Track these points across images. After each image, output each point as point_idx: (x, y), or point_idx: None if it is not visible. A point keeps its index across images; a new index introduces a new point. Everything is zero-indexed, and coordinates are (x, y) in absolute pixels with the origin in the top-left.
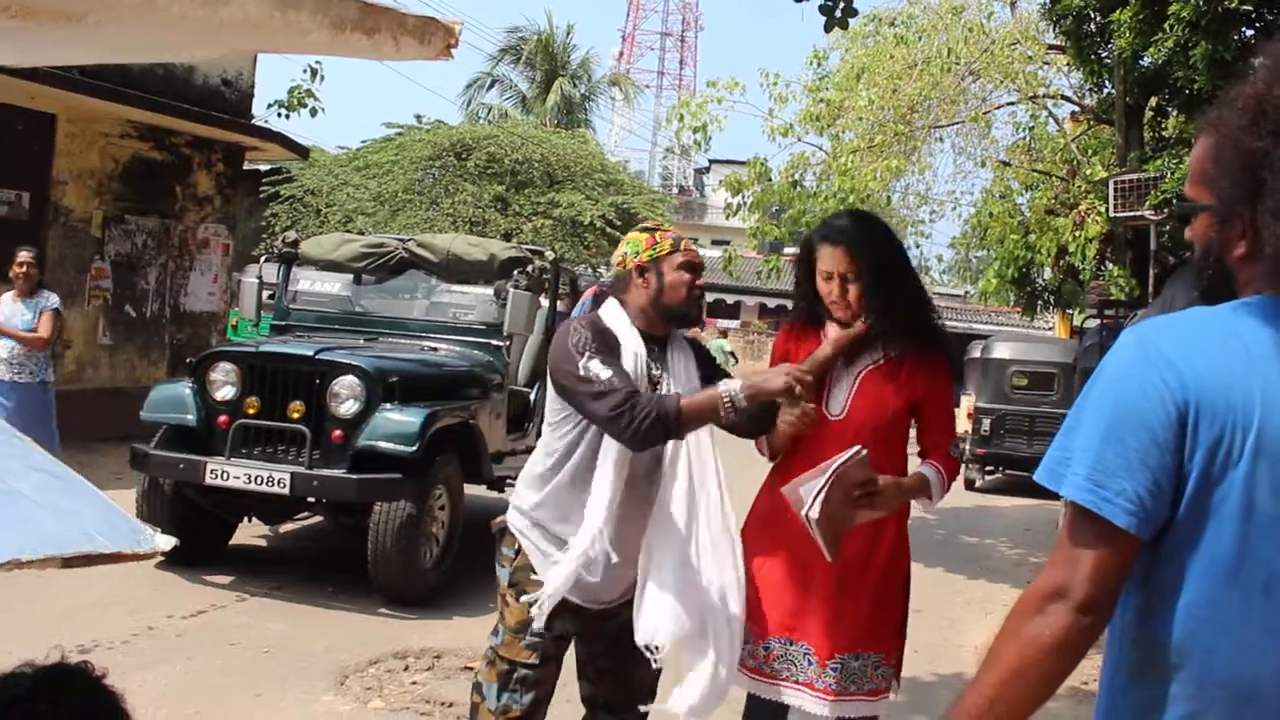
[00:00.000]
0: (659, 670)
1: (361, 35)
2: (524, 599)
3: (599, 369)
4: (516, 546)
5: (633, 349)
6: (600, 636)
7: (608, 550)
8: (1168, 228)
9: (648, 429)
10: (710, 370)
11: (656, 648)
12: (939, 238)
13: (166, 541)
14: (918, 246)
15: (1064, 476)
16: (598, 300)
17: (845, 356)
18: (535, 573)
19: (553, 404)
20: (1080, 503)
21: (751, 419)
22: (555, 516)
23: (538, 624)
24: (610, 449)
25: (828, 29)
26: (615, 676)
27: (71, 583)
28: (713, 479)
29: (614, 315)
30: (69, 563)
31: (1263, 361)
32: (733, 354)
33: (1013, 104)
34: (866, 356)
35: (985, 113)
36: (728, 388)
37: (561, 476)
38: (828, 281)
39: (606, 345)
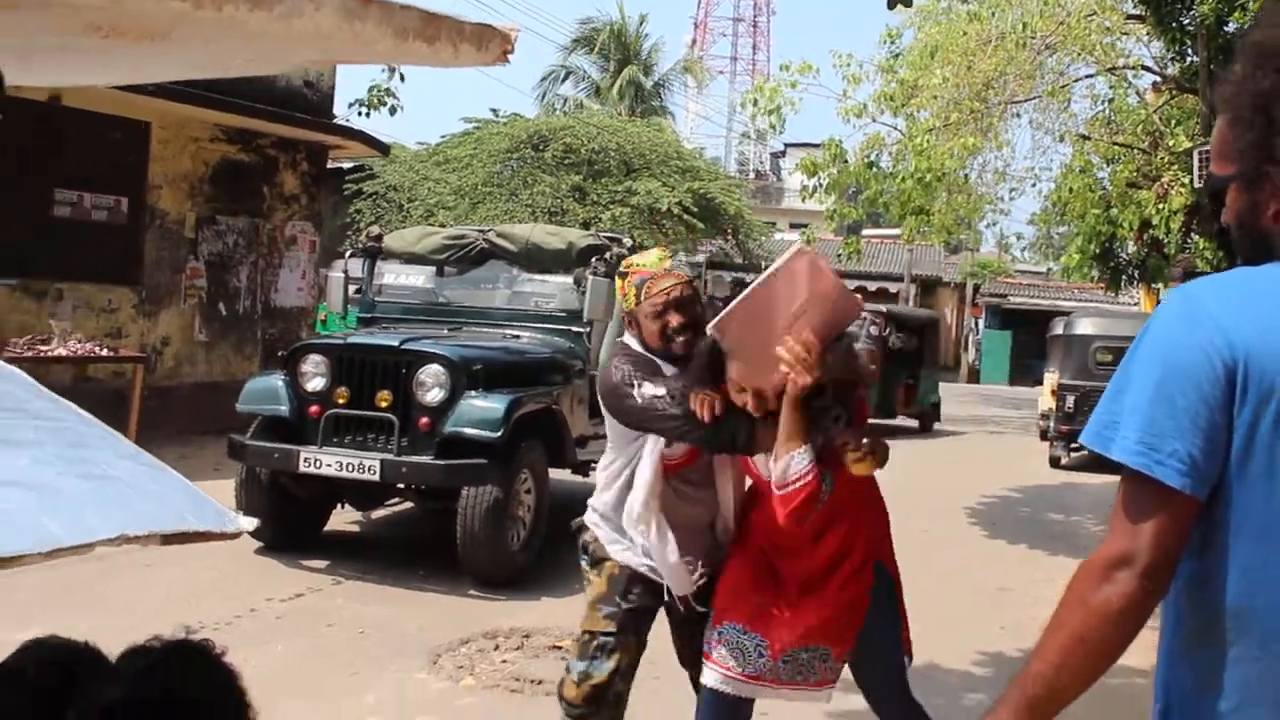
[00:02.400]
0: None
1: (422, 43)
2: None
3: (651, 391)
4: (593, 535)
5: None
6: (683, 625)
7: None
8: None
9: (710, 441)
10: None
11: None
12: (1018, 214)
13: (249, 522)
14: (992, 225)
15: (1112, 440)
16: None
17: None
18: (606, 552)
19: (610, 429)
20: (1132, 465)
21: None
22: (621, 515)
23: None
24: (649, 453)
25: (890, 5)
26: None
27: (176, 569)
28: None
29: (638, 347)
30: (168, 540)
31: None
32: None
33: (1091, 76)
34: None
35: (1063, 86)
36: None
37: (622, 482)
38: None
39: (649, 369)
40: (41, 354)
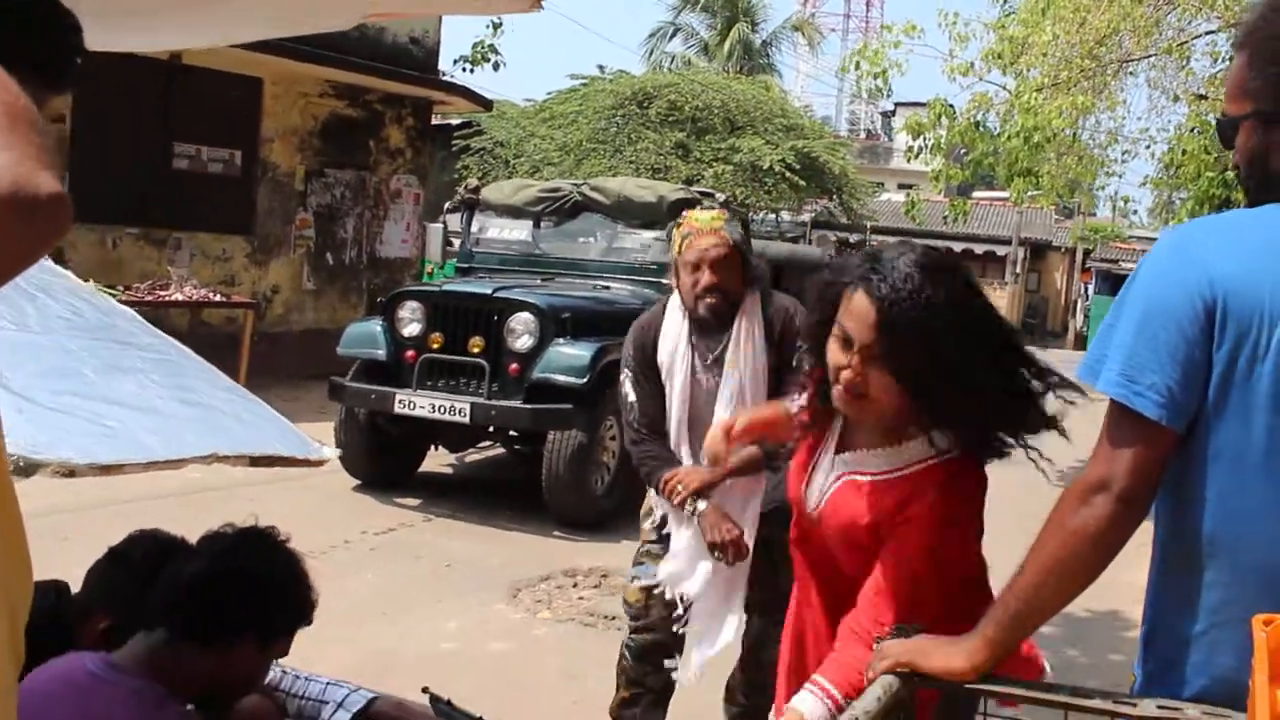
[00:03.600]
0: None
1: None
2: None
3: (629, 391)
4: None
5: (672, 341)
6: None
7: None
8: None
9: (638, 465)
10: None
11: None
12: (1132, 177)
13: (332, 451)
14: (1103, 188)
15: (1100, 373)
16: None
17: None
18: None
19: None
20: (1113, 396)
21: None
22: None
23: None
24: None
25: None
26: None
27: (278, 501)
28: None
29: (672, 308)
30: (256, 462)
31: None
32: None
33: (1213, 33)
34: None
35: (1182, 44)
36: (695, 504)
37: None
38: (845, 350)
39: (643, 359)
40: (161, 298)
